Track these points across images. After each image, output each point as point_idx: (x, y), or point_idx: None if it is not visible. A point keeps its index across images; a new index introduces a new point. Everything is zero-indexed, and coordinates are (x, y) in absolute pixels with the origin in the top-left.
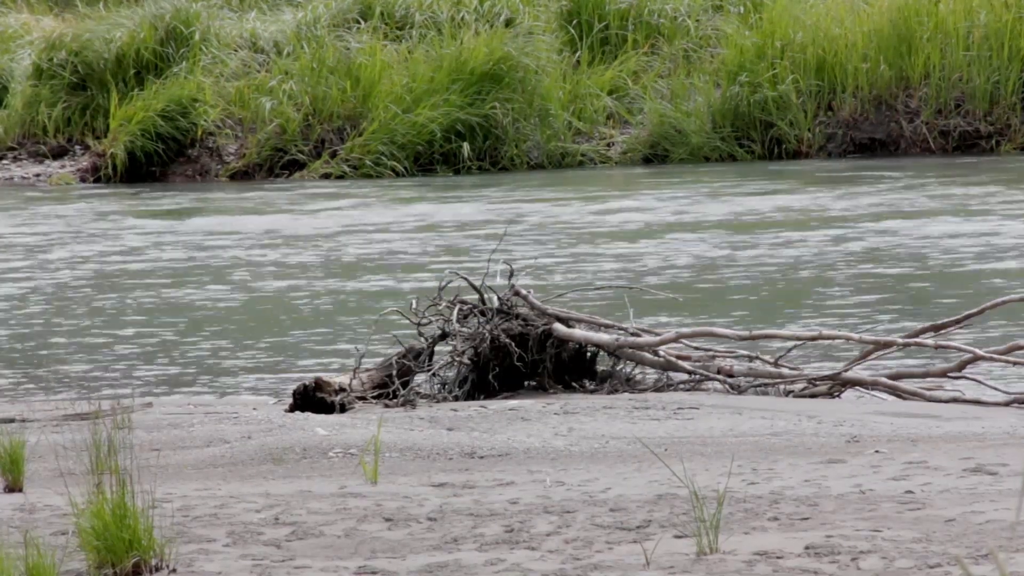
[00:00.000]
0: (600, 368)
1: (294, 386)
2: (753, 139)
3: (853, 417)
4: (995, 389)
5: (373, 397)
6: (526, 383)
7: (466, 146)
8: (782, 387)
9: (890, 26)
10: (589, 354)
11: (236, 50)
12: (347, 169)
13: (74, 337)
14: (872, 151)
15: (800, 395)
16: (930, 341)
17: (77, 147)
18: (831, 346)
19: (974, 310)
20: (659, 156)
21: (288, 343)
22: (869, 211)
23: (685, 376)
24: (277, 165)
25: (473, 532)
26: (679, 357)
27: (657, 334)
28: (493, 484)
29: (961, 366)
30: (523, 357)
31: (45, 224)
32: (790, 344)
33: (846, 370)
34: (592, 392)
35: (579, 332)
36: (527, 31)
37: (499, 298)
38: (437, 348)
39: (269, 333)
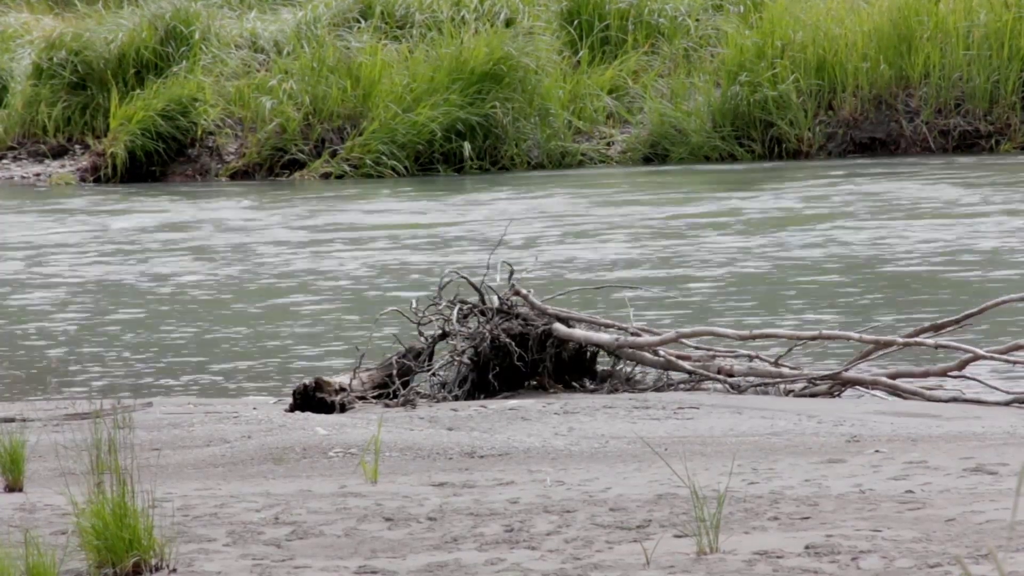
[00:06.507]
0: (600, 368)
1: (294, 386)
2: (753, 138)
3: (853, 417)
4: (995, 389)
5: (373, 397)
6: (526, 383)
7: (466, 145)
8: (782, 387)
9: (890, 26)
10: (589, 354)
11: (236, 49)
12: (347, 169)
13: (75, 336)
14: (872, 150)
15: (800, 395)
16: (930, 341)
17: (77, 147)
18: (831, 346)
19: (974, 310)
20: (659, 155)
21: (288, 343)
22: (869, 210)
23: (685, 376)
24: (277, 164)
25: (473, 532)
26: (679, 357)
27: (657, 334)
28: (493, 484)
29: (961, 365)
30: (523, 357)
31: (45, 224)
32: (790, 344)
33: (846, 370)
34: (592, 392)
35: (579, 332)
36: (527, 31)
37: (499, 298)
38: (437, 348)
39: (270, 333)
